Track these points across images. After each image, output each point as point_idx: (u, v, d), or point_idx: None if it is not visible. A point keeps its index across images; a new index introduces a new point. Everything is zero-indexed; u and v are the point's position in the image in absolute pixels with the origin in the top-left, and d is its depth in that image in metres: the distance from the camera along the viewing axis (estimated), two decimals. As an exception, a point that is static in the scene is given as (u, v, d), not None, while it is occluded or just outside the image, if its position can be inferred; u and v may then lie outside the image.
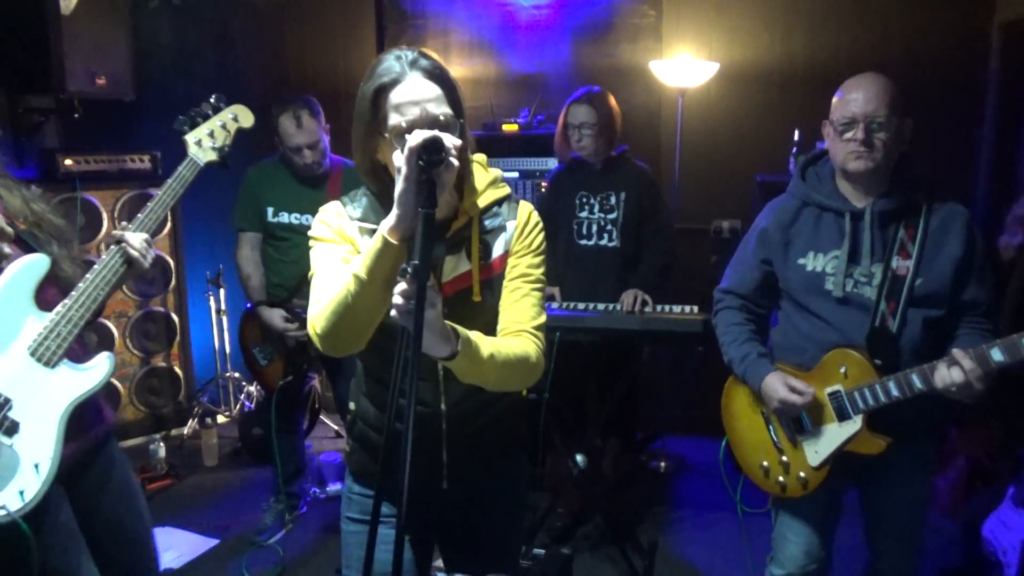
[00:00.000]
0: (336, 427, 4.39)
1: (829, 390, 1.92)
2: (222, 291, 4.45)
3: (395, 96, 1.38)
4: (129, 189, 4.05)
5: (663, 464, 3.88)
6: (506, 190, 1.57)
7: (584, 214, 3.17)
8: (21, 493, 1.61)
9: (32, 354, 1.71)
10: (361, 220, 1.50)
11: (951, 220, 1.88)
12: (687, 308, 2.94)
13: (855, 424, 1.89)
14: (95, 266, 1.87)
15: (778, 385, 1.94)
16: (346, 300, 1.34)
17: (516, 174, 3.71)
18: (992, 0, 3.61)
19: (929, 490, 2.09)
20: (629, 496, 3.52)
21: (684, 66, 3.66)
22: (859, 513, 2.16)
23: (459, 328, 1.36)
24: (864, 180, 1.90)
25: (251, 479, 3.81)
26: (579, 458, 2.98)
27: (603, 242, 3.16)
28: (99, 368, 1.78)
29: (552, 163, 3.65)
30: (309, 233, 1.53)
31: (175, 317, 4.28)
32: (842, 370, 1.89)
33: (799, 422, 2.00)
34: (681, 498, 3.60)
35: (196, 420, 4.33)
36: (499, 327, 1.52)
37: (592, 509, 3.24)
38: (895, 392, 1.82)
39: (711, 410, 3.86)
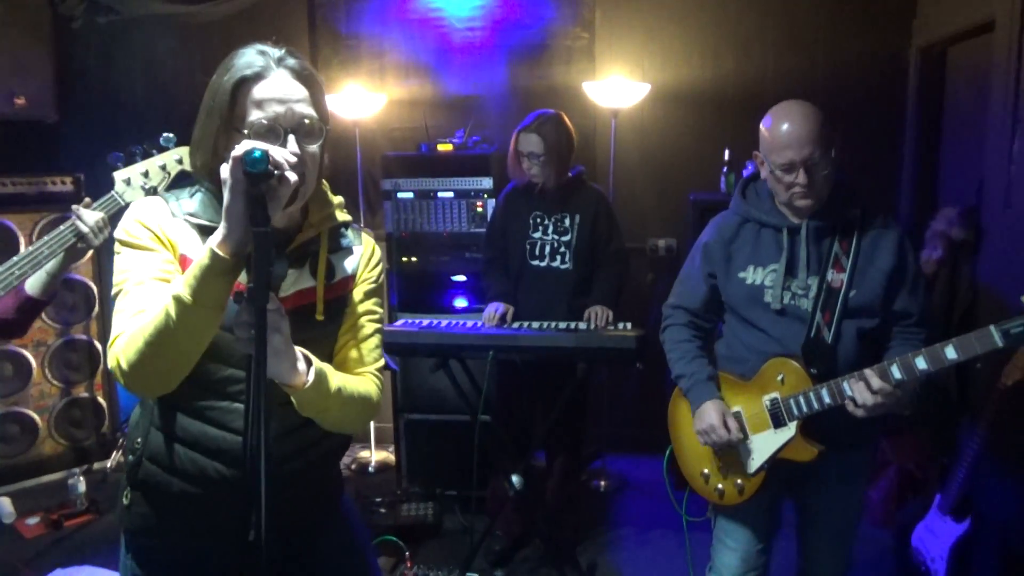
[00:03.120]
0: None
1: (767, 398, 1.95)
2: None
3: (258, 92, 1.26)
4: (49, 212, 3.88)
5: (603, 483, 3.85)
6: (349, 217, 1.51)
7: (538, 235, 3.13)
8: None
9: None
10: (193, 215, 1.34)
11: (884, 235, 1.93)
12: (621, 325, 2.93)
13: (790, 431, 1.92)
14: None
15: (714, 413, 1.98)
16: (165, 327, 1.17)
17: (451, 194, 3.68)
18: (909, 26, 3.76)
19: (862, 499, 2.13)
20: (569, 517, 3.47)
21: (616, 87, 3.70)
22: (795, 526, 2.17)
23: (312, 356, 1.28)
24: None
25: (178, 512, 3.64)
26: (515, 479, 2.92)
27: (555, 264, 3.11)
28: None
29: (487, 183, 3.63)
30: (115, 235, 1.34)
31: (98, 345, 4.11)
32: (779, 378, 1.93)
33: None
34: (622, 517, 3.57)
35: (121, 452, 4.14)
36: (343, 365, 1.44)
37: (531, 532, 3.18)
38: (827, 399, 1.85)
39: (650, 428, 3.85)
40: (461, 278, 3.74)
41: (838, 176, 1.97)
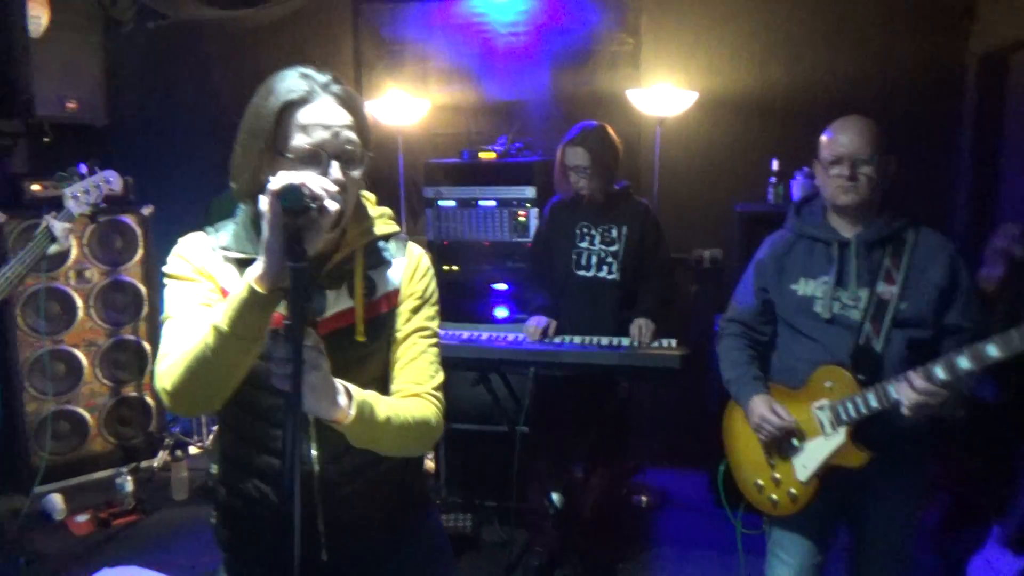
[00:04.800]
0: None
1: (816, 404, 2.00)
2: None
3: (303, 116, 1.27)
4: (100, 215, 3.96)
5: (644, 499, 3.80)
6: (395, 227, 1.47)
7: (584, 244, 3.11)
8: None
9: None
10: (226, 248, 1.36)
11: (936, 251, 1.98)
12: (665, 342, 2.88)
13: (839, 436, 1.96)
14: None
15: (762, 404, 2.05)
16: (203, 355, 1.20)
17: (493, 202, 3.66)
18: (966, 33, 3.62)
19: (917, 521, 2.13)
20: (609, 533, 3.44)
21: (662, 95, 3.64)
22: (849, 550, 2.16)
23: (352, 388, 1.24)
24: (852, 213, 2.02)
25: (221, 514, 3.69)
26: (555, 497, 2.90)
27: (602, 274, 3.09)
28: None
29: (529, 192, 3.61)
30: (163, 269, 1.38)
31: (147, 345, 4.19)
32: (828, 385, 1.98)
33: (789, 439, 2.07)
34: (664, 535, 3.52)
35: (167, 452, 4.22)
36: (394, 387, 1.40)
37: (570, 548, 3.16)
38: (874, 403, 1.88)
39: (693, 442, 3.80)
40: (502, 287, 3.72)
41: (890, 192, 2.02)
